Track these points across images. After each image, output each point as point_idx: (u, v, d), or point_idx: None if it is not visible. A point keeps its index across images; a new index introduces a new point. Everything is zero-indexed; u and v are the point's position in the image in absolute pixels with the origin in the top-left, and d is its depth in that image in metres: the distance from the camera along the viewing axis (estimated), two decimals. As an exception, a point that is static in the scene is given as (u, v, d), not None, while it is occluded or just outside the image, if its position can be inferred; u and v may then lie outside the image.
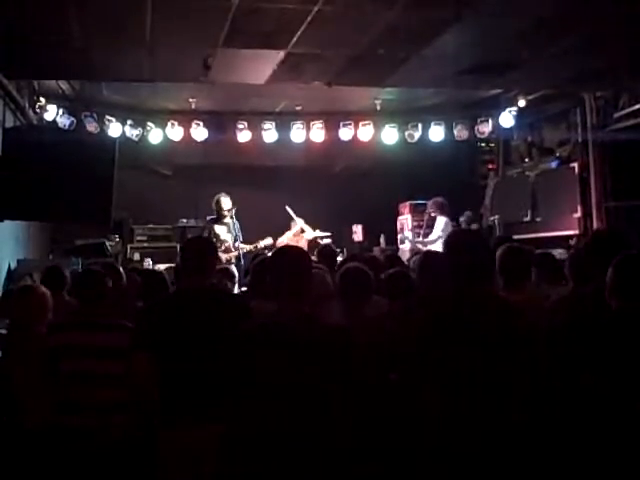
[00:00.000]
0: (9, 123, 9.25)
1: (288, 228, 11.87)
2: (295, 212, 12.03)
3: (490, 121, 12.65)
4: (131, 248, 12.38)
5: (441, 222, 11.27)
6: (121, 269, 5.77)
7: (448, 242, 3.79)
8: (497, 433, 3.31)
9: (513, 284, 4.68)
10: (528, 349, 3.40)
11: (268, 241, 10.49)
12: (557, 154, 12.03)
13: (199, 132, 12.19)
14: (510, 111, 12.22)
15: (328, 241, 11.22)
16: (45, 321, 4.72)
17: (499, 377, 3.34)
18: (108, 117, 11.65)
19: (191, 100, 11.67)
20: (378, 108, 12.39)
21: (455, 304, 3.54)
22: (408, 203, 13.46)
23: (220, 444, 3.52)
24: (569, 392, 3.81)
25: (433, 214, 11.49)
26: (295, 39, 7.65)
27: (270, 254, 4.38)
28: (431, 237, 11.38)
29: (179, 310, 4.04)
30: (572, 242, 10.62)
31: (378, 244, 13.11)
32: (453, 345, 3.38)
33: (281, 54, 8.25)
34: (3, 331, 5.31)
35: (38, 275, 7.70)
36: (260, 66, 8.80)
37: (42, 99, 10.76)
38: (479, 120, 12.74)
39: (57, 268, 6.36)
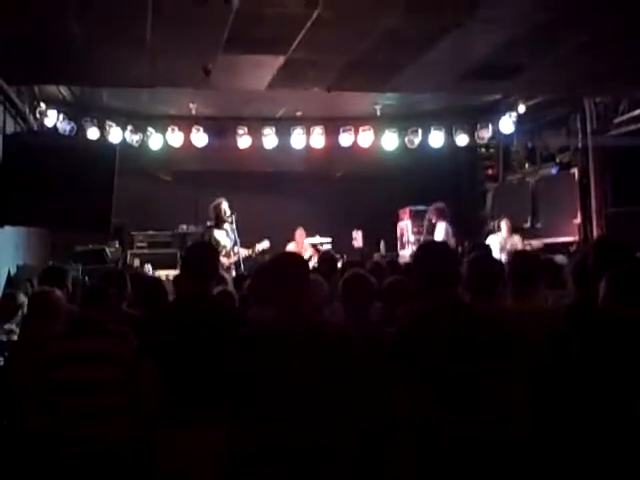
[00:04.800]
0: (9, 129, 9.26)
1: (288, 234, 11.88)
2: (295, 218, 12.04)
3: (490, 127, 12.68)
4: (131, 254, 12.36)
5: (441, 228, 11.26)
6: (127, 276, 5.75)
7: (415, 254, 3.82)
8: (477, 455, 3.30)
9: (523, 291, 4.61)
10: (507, 359, 3.39)
11: (265, 244, 10.50)
12: (557, 160, 12.04)
13: (199, 138, 12.20)
14: (510, 117, 12.24)
15: (328, 247, 11.22)
16: (58, 324, 4.73)
17: (477, 389, 3.34)
18: (108, 123, 11.67)
19: (191, 106, 11.67)
20: (378, 113, 12.42)
21: (423, 317, 3.55)
22: (408, 209, 13.45)
23: (223, 449, 3.53)
24: (567, 402, 3.82)
25: (433, 220, 11.48)
26: (295, 45, 7.66)
27: (269, 260, 4.39)
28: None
29: (181, 316, 4.03)
30: (572, 249, 10.61)
31: (378, 250, 13.09)
32: (422, 360, 3.37)
33: (281, 60, 8.25)
34: (3, 337, 5.31)
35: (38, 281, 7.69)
36: (260, 72, 8.80)
37: (42, 105, 10.76)
38: (479, 126, 12.77)
39: (57, 269, 6.32)
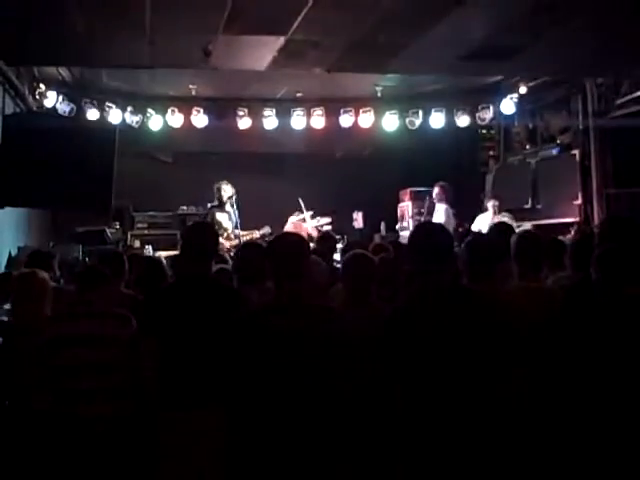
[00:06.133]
0: (9, 110, 9.24)
1: (288, 214, 11.86)
2: (295, 198, 12.01)
3: (491, 108, 12.64)
4: (131, 235, 12.40)
5: (441, 209, 11.25)
6: (124, 257, 5.75)
7: (410, 235, 3.83)
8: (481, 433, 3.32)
9: (526, 271, 4.59)
10: (506, 341, 3.40)
11: (266, 230, 10.50)
12: (558, 141, 12.01)
13: (199, 119, 12.18)
14: (511, 98, 12.22)
15: (328, 228, 11.23)
16: (46, 306, 4.72)
17: (472, 370, 3.35)
18: (108, 104, 11.64)
19: (191, 87, 11.64)
20: (379, 94, 12.36)
21: (419, 299, 3.56)
22: (409, 190, 13.43)
23: (224, 429, 3.56)
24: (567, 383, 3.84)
25: (435, 200, 11.45)
26: (295, 25, 7.63)
27: (268, 240, 4.39)
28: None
29: (180, 298, 4.04)
30: (572, 229, 10.59)
31: (378, 231, 13.10)
32: (418, 343, 3.38)
33: (281, 40, 8.22)
34: (4, 318, 5.31)
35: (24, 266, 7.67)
36: (260, 52, 8.77)
37: (42, 86, 10.73)
38: (480, 107, 12.73)
39: (43, 253, 6.30)
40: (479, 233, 8.93)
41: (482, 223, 10.83)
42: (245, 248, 5.40)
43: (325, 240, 7.15)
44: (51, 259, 6.06)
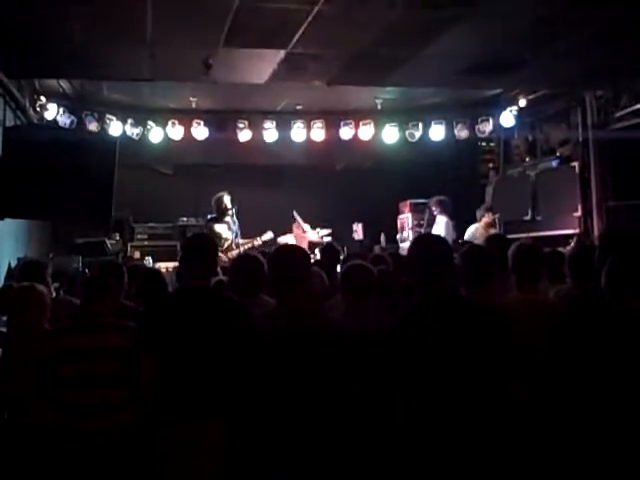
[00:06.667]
0: (10, 122, 9.25)
1: (289, 228, 11.87)
2: (296, 211, 12.03)
3: (491, 120, 12.67)
4: (131, 246, 12.39)
5: (441, 222, 11.24)
6: (124, 268, 5.74)
7: (410, 247, 3.85)
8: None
9: (524, 283, 4.57)
10: (501, 351, 3.41)
11: (268, 236, 10.50)
12: (558, 153, 12.01)
13: (200, 131, 12.20)
14: (511, 110, 12.25)
15: (329, 239, 11.23)
16: (44, 319, 4.72)
17: (468, 380, 3.35)
18: (109, 116, 11.66)
19: (192, 99, 11.67)
20: (379, 107, 12.39)
21: (417, 310, 3.56)
22: (408, 202, 13.44)
23: (223, 442, 3.56)
24: (567, 393, 3.83)
25: (434, 213, 11.46)
26: (296, 39, 7.66)
27: (269, 251, 4.40)
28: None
29: (181, 310, 4.03)
30: (572, 241, 10.57)
31: (378, 242, 13.10)
32: (419, 353, 3.38)
33: (281, 53, 8.25)
34: (3, 329, 5.31)
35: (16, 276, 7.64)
36: (261, 65, 8.80)
37: (43, 98, 10.75)
38: (480, 119, 12.76)
39: (35, 263, 6.30)
40: (472, 243, 8.86)
41: (471, 233, 10.77)
42: (240, 260, 5.38)
43: (328, 251, 7.15)
44: (43, 270, 6.04)
